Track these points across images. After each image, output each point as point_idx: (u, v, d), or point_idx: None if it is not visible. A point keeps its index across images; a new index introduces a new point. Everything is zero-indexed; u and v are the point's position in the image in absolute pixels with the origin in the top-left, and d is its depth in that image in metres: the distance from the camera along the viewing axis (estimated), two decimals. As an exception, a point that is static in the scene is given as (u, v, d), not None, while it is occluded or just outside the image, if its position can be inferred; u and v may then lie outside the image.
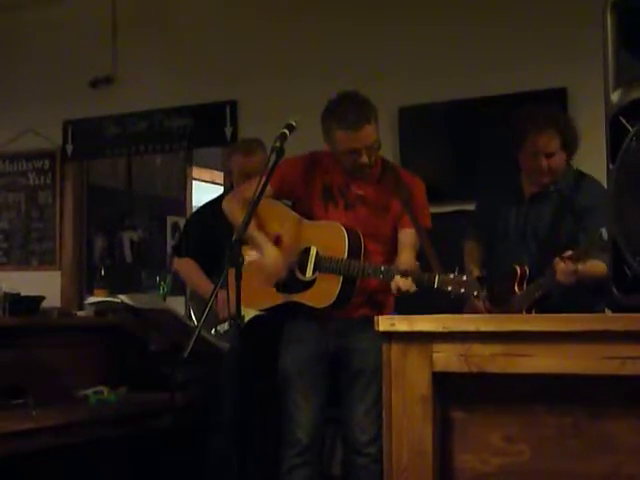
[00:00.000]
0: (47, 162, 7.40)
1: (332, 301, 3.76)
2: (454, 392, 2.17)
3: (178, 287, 5.89)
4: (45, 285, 6.79)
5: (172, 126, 6.93)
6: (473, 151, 5.81)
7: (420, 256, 3.81)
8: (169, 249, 7.99)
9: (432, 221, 4.02)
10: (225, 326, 4.24)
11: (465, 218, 4.81)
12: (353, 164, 3.84)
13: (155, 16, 6.97)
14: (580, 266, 3.69)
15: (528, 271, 3.98)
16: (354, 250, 3.78)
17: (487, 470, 2.13)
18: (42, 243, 7.38)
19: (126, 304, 4.33)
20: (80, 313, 5.94)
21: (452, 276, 3.47)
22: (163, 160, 8.28)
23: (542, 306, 3.87)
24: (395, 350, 2.16)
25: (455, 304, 3.65)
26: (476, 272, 4.24)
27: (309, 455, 3.88)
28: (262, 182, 3.54)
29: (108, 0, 7.02)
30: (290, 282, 3.88)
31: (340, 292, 3.75)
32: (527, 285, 3.96)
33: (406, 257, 3.84)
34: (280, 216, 3.98)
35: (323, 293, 3.80)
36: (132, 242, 7.94)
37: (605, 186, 3.55)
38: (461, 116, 5.85)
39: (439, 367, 2.12)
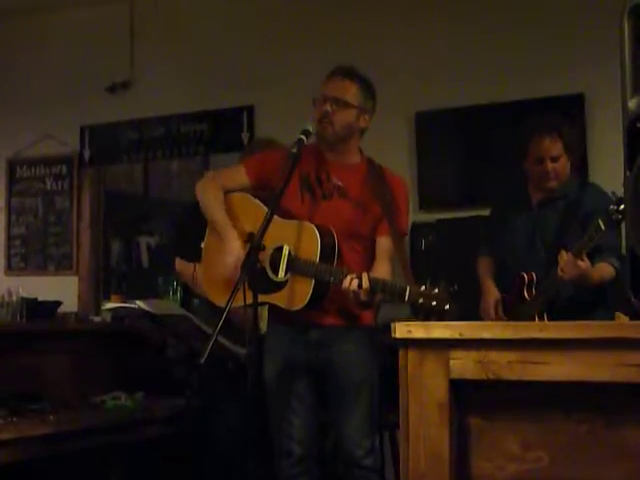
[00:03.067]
0: (64, 167, 7.42)
1: (304, 304, 3.58)
2: (471, 399, 2.17)
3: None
4: (62, 290, 6.81)
5: (189, 131, 6.94)
6: (489, 157, 5.80)
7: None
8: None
9: (448, 226, 4.00)
10: None
11: (481, 224, 4.80)
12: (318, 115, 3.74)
13: (172, 22, 6.99)
14: (581, 262, 3.72)
15: (535, 277, 4.03)
16: (327, 252, 3.60)
17: (504, 476, 2.13)
18: (59, 248, 7.40)
19: (143, 310, 4.35)
20: (97, 318, 5.95)
21: (423, 288, 3.26)
22: (180, 165, 8.28)
23: (550, 311, 3.91)
24: (412, 357, 2.16)
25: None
26: (494, 291, 4.24)
27: (305, 465, 3.76)
28: (280, 188, 3.48)
29: (126, 6, 7.07)
30: (262, 281, 3.61)
31: (312, 295, 3.57)
32: (536, 291, 4.01)
33: (381, 269, 3.67)
34: (254, 213, 3.72)
35: (295, 295, 3.61)
36: (149, 247, 7.93)
37: (607, 194, 3.63)
38: (478, 121, 5.84)
39: (456, 374, 2.12)
